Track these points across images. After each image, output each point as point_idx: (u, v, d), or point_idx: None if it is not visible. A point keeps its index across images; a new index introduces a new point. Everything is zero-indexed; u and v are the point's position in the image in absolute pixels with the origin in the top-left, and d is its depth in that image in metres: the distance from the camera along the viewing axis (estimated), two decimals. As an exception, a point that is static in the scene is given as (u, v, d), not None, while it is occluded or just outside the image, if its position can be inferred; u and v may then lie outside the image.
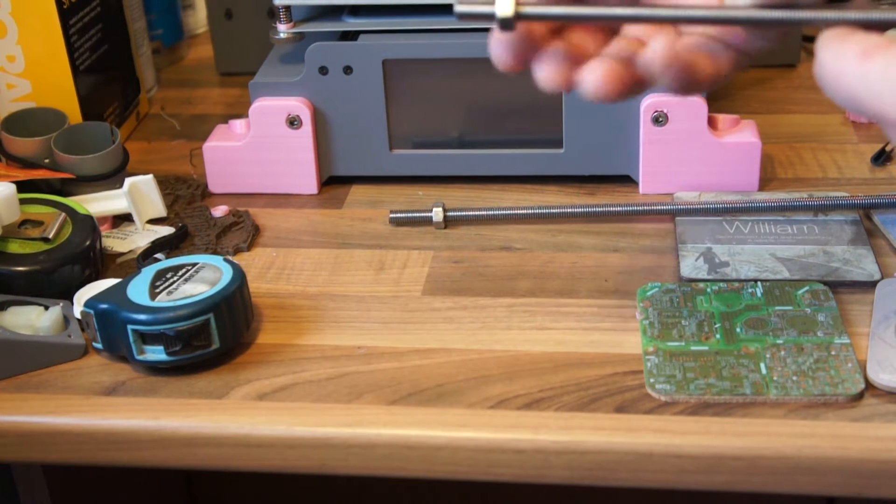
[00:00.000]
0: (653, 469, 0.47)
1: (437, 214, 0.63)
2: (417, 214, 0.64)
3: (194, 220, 0.65)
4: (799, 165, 0.69)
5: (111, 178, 0.67)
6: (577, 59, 0.43)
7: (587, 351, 0.53)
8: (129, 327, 0.51)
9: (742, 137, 0.64)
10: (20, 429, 0.50)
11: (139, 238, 0.63)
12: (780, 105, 0.77)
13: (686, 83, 0.42)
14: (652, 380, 0.49)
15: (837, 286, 0.56)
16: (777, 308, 0.54)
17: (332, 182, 0.69)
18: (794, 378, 0.49)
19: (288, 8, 0.67)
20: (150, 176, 0.65)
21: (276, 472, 0.50)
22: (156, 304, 0.51)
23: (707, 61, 0.43)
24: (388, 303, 0.57)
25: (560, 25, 0.44)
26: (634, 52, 0.43)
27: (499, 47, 0.43)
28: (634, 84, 0.43)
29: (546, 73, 0.43)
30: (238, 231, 0.64)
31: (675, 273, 0.58)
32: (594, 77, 0.42)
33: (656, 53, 0.41)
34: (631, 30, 0.45)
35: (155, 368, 0.52)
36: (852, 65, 0.38)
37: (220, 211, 0.66)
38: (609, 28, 0.46)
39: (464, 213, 0.64)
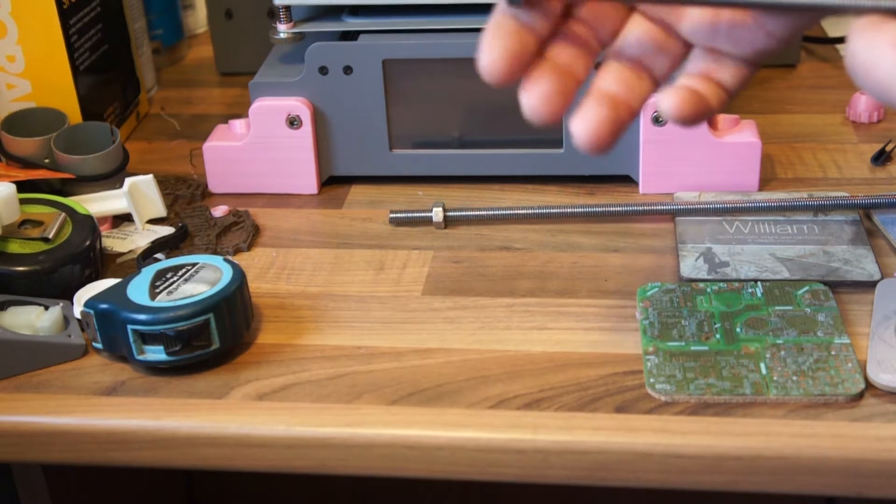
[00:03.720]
0: (653, 469, 0.47)
1: (437, 214, 0.63)
2: (417, 214, 0.64)
3: (194, 220, 0.65)
4: (799, 165, 0.69)
5: (111, 178, 0.67)
6: (566, 86, 0.42)
7: (587, 351, 0.52)
8: (129, 327, 0.51)
9: (742, 137, 0.64)
10: (20, 429, 0.50)
11: (139, 238, 0.63)
12: (780, 105, 0.77)
13: (700, 115, 0.42)
14: (652, 380, 0.49)
15: (837, 286, 0.56)
16: (777, 308, 0.54)
17: (332, 182, 0.69)
18: (794, 378, 0.49)
19: (288, 8, 0.67)
20: (150, 176, 0.65)
21: (276, 472, 0.50)
22: (156, 304, 0.51)
23: (714, 89, 0.43)
24: (388, 303, 0.57)
25: (548, 35, 0.43)
26: (629, 87, 0.42)
27: (490, 53, 0.42)
28: (629, 122, 0.42)
29: (535, 102, 0.42)
30: (238, 231, 0.64)
31: (675, 273, 0.58)
32: (584, 128, 0.41)
33: (670, 103, 0.41)
34: (627, 44, 0.44)
35: (155, 368, 0.52)
36: (886, 54, 0.37)
37: (220, 211, 0.66)
38: (599, 39, 0.44)
39: (464, 213, 0.64)
